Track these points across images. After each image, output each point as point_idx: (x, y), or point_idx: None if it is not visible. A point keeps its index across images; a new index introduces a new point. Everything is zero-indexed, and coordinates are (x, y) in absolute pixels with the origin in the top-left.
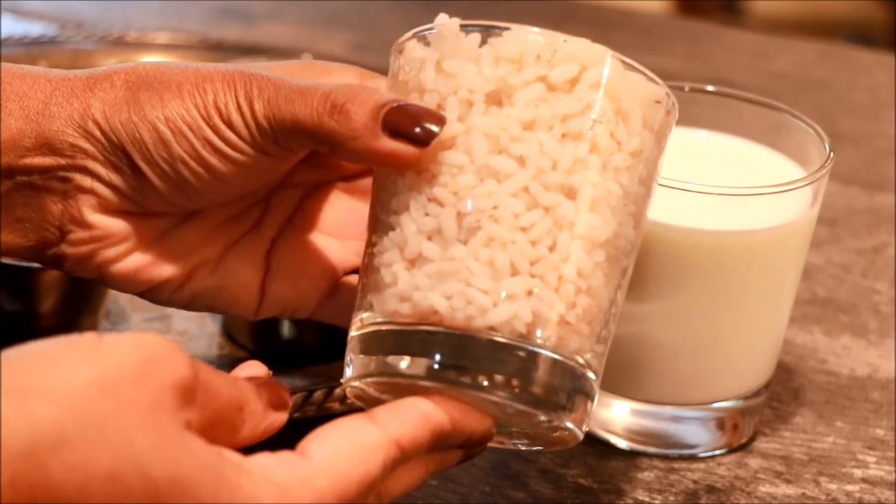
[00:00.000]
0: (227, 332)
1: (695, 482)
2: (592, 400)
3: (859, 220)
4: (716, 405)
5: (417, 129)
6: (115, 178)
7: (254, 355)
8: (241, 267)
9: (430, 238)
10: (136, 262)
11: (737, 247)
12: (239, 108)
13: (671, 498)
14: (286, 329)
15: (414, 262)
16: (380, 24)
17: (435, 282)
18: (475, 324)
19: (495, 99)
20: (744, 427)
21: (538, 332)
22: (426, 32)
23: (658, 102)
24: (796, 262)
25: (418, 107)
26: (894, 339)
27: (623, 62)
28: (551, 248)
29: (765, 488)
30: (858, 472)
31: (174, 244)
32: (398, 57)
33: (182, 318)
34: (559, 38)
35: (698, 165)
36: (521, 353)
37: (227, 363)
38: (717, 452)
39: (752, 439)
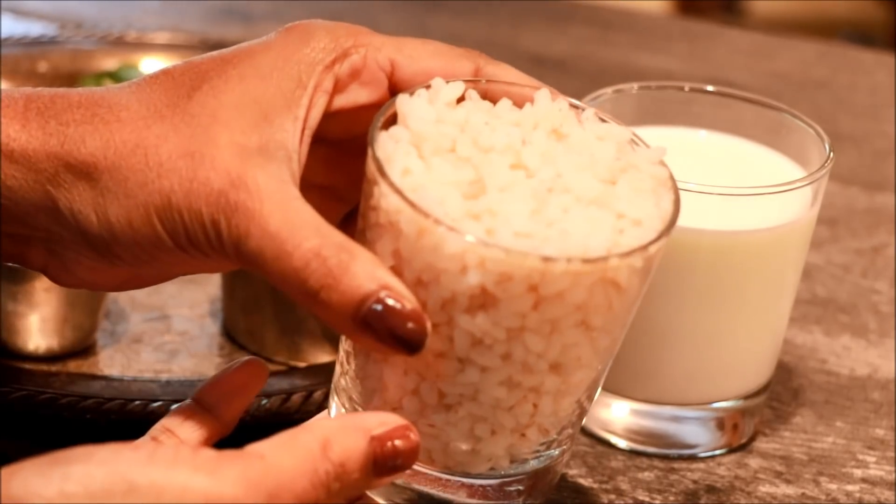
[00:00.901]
0: (227, 332)
1: (695, 482)
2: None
3: (859, 220)
4: (716, 405)
5: (399, 337)
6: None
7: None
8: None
9: (412, 393)
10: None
11: (737, 247)
12: (206, 237)
13: (671, 498)
14: (286, 330)
15: (396, 409)
16: (380, 24)
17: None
18: (453, 468)
19: (480, 303)
20: (744, 427)
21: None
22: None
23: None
24: (796, 262)
25: (402, 315)
26: (894, 339)
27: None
28: (532, 414)
29: (765, 488)
30: (858, 472)
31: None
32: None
33: (182, 319)
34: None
35: (698, 165)
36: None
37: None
38: (717, 452)
39: (752, 439)
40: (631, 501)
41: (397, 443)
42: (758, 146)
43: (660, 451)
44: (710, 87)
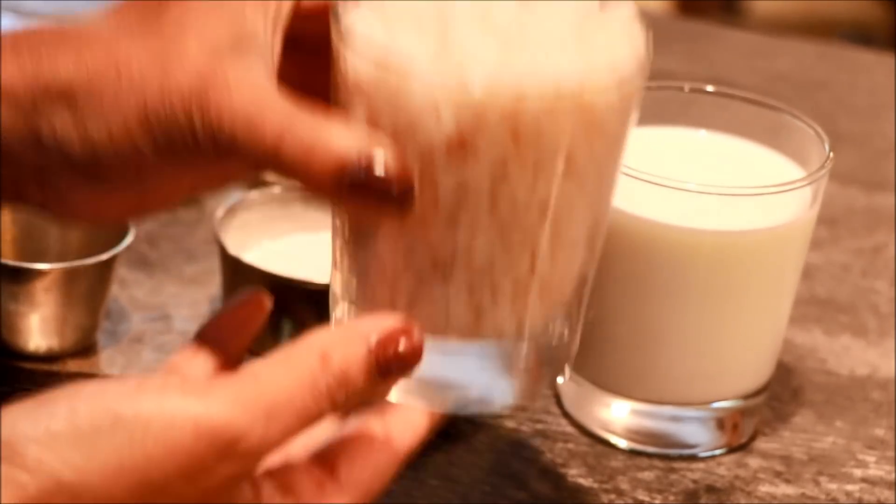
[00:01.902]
0: None
1: (695, 482)
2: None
3: (859, 220)
4: (716, 405)
5: (385, 192)
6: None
7: (254, 356)
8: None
9: (406, 269)
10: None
11: (737, 247)
12: (183, 138)
13: (671, 498)
14: (286, 329)
15: (394, 293)
16: None
17: (413, 307)
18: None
19: (459, 153)
20: (744, 427)
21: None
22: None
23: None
24: (796, 262)
25: (383, 169)
26: (894, 339)
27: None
28: (530, 274)
29: (765, 488)
30: (858, 472)
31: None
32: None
33: (182, 319)
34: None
35: (698, 165)
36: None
37: None
38: (717, 452)
39: (752, 439)
40: (631, 501)
41: (400, 346)
42: (758, 146)
43: (660, 451)
44: (710, 87)
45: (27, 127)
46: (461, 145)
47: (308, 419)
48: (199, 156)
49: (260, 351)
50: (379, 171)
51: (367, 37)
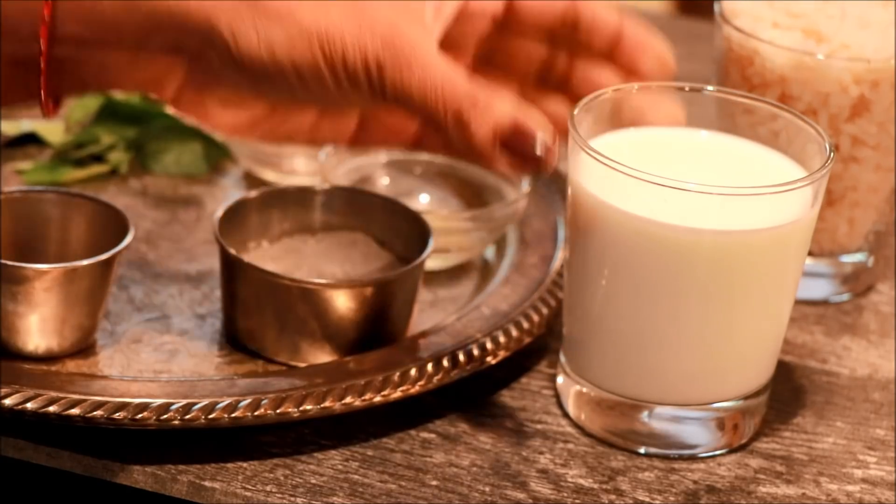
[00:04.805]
0: (227, 332)
1: (695, 482)
2: None
3: None
4: (716, 405)
5: (535, 154)
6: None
7: (254, 356)
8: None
9: None
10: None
11: (737, 247)
12: (366, 70)
13: (671, 498)
14: (286, 330)
15: None
16: None
17: None
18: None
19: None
20: (744, 427)
21: None
22: None
23: None
24: (796, 262)
25: (532, 138)
26: (894, 339)
27: None
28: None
29: (765, 488)
30: (859, 473)
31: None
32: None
33: (182, 318)
34: None
35: (698, 165)
36: None
37: (227, 363)
38: (718, 452)
39: (753, 439)
40: (631, 501)
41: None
42: (758, 146)
43: (660, 451)
44: (710, 88)
45: (205, 16)
46: (861, 104)
47: None
48: (369, 98)
49: (260, 351)
50: (528, 139)
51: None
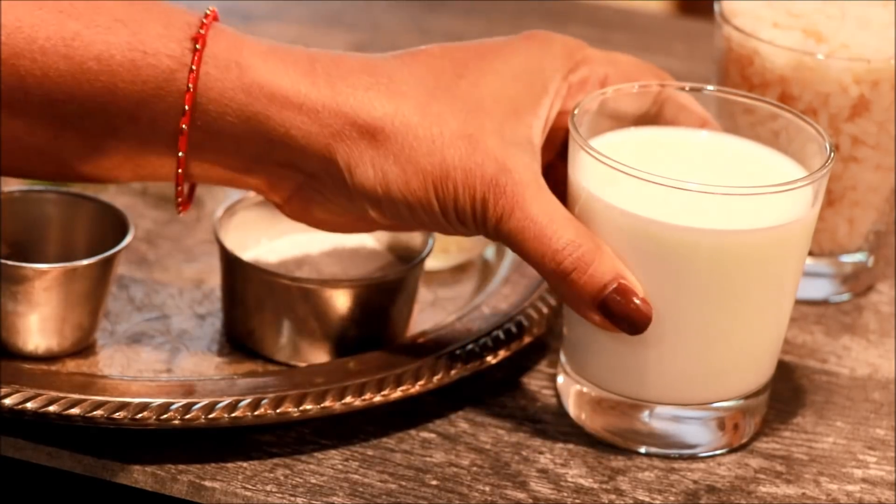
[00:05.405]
0: (227, 332)
1: (695, 482)
2: None
3: None
4: (716, 405)
5: (628, 322)
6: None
7: (254, 356)
8: None
9: None
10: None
11: (737, 247)
12: (473, 210)
13: (671, 498)
14: (286, 330)
15: None
16: (380, 24)
17: None
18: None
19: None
20: (744, 427)
21: None
22: None
23: None
24: (797, 261)
25: (638, 302)
26: (894, 339)
27: None
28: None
29: (765, 488)
30: (859, 473)
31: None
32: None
33: (182, 318)
34: None
35: (698, 165)
36: None
37: (227, 363)
38: (718, 452)
39: (753, 439)
40: (631, 501)
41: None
42: (758, 146)
43: (660, 451)
44: (710, 88)
45: (325, 146)
46: (860, 104)
47: None
48: (472, 229)
49: (260, 351)
50: (630, 303)
51: None
